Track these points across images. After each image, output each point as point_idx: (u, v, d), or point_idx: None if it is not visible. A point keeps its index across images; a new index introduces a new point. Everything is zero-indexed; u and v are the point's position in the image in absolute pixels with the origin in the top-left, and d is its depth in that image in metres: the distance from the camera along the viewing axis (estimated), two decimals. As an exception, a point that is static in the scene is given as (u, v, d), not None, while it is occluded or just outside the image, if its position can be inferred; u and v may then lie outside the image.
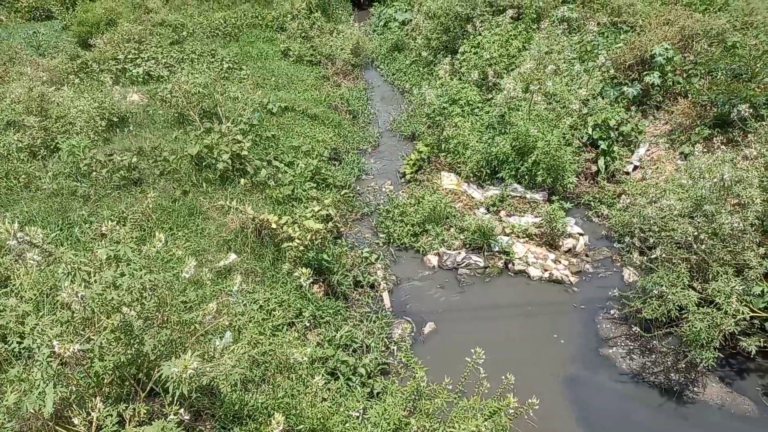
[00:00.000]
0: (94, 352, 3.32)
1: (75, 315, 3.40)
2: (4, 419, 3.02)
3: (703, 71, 10.84)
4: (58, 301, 3.33)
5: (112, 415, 3.11)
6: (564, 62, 11.31)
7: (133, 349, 3.44)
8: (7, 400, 3.00)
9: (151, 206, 6.76)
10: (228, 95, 11.34)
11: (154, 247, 3.87)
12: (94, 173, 8.11)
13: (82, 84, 11.95)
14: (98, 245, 4.07)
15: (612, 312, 7.56)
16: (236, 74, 14.28)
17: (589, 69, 11.26)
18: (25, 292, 3.51)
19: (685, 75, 11.08)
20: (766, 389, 6.35)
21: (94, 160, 8.23)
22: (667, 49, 11.00)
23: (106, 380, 3.68)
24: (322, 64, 16.92)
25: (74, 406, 3.26)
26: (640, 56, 11.35)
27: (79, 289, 3.13)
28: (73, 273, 3.71)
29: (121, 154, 8.56)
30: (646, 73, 11.14)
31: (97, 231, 6.55)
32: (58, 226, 6.97)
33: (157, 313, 3.74)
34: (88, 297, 3.24)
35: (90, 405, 3.16)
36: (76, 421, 3.08)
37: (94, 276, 3.57)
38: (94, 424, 3.24)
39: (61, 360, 3.24)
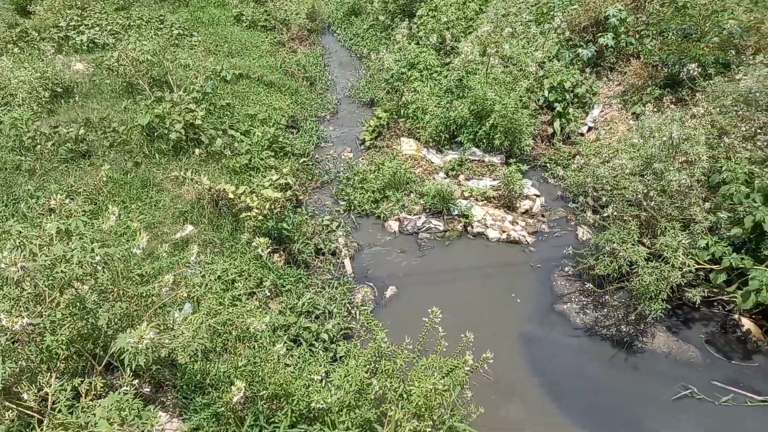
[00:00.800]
0: (45, 326, 3.24)
1: (25, 290, 3.30)
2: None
3: (654, 32, 11.02)
4: (5, 276, 3.22)
5: (65, 390, 3.06)
6: (521, 25, 11.32)
7: (87, 324, 3.37)
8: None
9: (102, 179, 6.55)
10: (179, 63, 10.96)
11: (108, 220, 3.76)
12: (39, 146, 7.78)
13: (22, 53, 11.33)
14: (47, 220, 3.94)
15: (567, 270, 7.79)
16: (187, 41, 13.78)
17: (545, 31, 11.31)
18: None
19: (637, 36, 11.25)
20: (708, 337, 6.71)
21: (39, 133, 7.89)
22: (620, 10, 11.11)
23: (61, 355, 3.62)
24: (276, 30, 16.48)
25: (25, 381, 3.19)
26: (595, 18, 11.45)
27: (21, 260, 3.03)
28: (20, 247, 3.59)
29: (67, 126, 8.22)
30: (600, 34, 11.26)
31: (45, 206, 6.33)
32: (2, 201, 6.70)
33: (111, 287, 3.67)
34: (34, 270, 3.14)
35: (43, 380, 3.10)
36: (26, 396, 3.02)
37: (43, 250, 3.46)
38: (50, 399, 3.19)
39: (12, 336, 3.16)
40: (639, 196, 6.84)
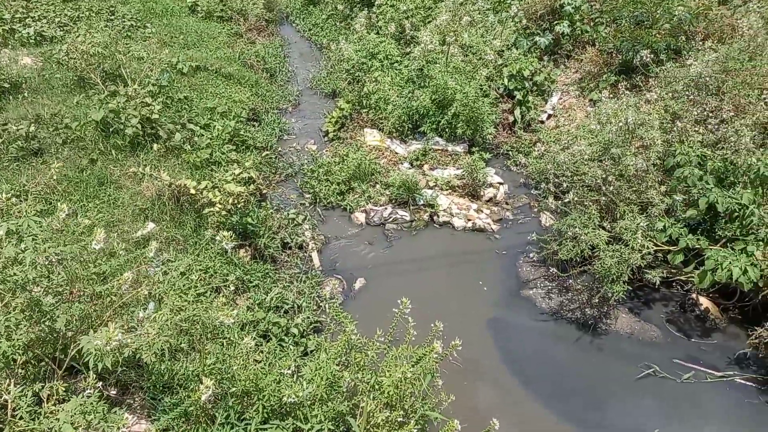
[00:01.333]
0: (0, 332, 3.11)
1: None
2: None
3: (608, 19, 11.26)
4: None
5: (26, 395, 2.95)
6: (478, 13, 11.40)
7: (45, 327, 3.25)
8: None
9: (55, 177, 6.30)
10: (132, 55, 10.62)
11: (58, 218, 3.62)
12: (-13, 145, 7.44)
13: (-36, 47, 10.76)
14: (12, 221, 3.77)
15: (531, 256, 7.94)
16: (140, 33, 13.33)
17: (502, 20, 11.42)
18: None
19: (592, 23, 11.47)
20: (669, 316, 6.95)
21: (-14, 131, 7.53)
22: (575, -2, 11.30)
23: (18, 360, 3.48)
24: (233, 20, 16.11)
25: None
26: (551, 6, 11.62)
27: None
28: None
29: (17, 122, 7.86)
30: (556, 22, 11.44)
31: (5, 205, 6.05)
32: (-51, 204, 6.37)
33: (68, 288, 3.54)
34: None
35: (1, 387, 2.98)
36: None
37: None
38: (9, 406, 3.08)
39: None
40: (598, 181, 7.01)
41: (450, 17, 11.03)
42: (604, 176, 7.00)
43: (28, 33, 11.98)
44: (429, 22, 11.93)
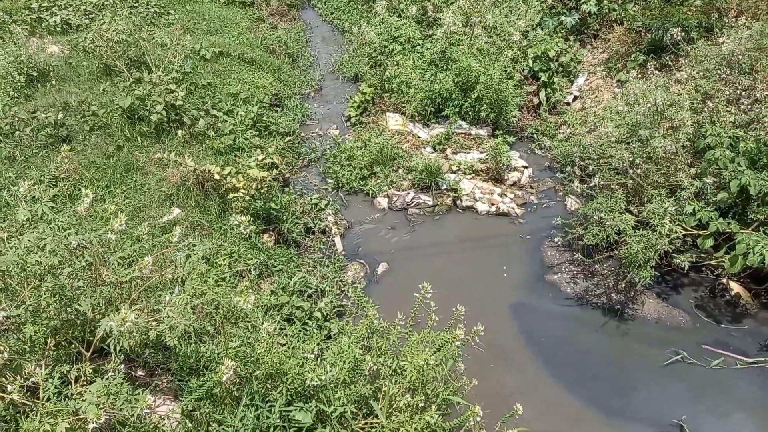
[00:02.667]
0: (25, 317, 3.19)
1: None
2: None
3: (638, -4, 10.93)
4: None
5: (52, 378, 3.03)
6: (503, -7, 11.17)
7: (71, 310, 3.32)
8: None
9: (81, 163, 6.42)
10: (156, 42, 10.70)
11: (83, 203, 3.68)
12: (18, 132, 7.59)
13: (-6, 37, 10.98)
14: (24, 208, 3.85)
15: (556, 240, 7.84)
16: (163, 19, 13.42)
17: (527, -1, 11.17)
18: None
19: (620, 1, 11.14)
20: (698, 301, 6.81)
21: (16, 119, 7.70)
22: (603, -24, 10.99)
23: (49, 343, 3.58)
24: (256, 5, 16.10)
25: (8, 372, 3.15)
26: (577, -16, 11.31)
27: None
28: None
29: (45, 110, 8.02)
30: (582, 1, 11.14)
31: (27, 193, 6.19)
32: (-18, 190, 6.56)
33: (91, 272, 3.61)
34: (8, 263, 3.08)
35: (30, 370, 3.06)
36: (9, 387, 2.98)
37: (13, 241, 3.39)
38: (41, 387, 3.17)
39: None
40: (625, 164, 6.86)
41: (473, -2, 10.84)
42: (631, 159, 6.83)
43: (55, 21, 12.17)
44: (451, 3, 11.74)
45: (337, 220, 8.36)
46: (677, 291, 6.97)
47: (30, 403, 3.17)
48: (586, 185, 7.41)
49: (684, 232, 6.48)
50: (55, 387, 3.07)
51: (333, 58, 13.88)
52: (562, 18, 11.27)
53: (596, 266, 7.25)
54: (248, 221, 4.60)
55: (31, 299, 3.39)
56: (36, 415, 3.02)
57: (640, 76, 8.29)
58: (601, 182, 7.06)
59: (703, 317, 6.60)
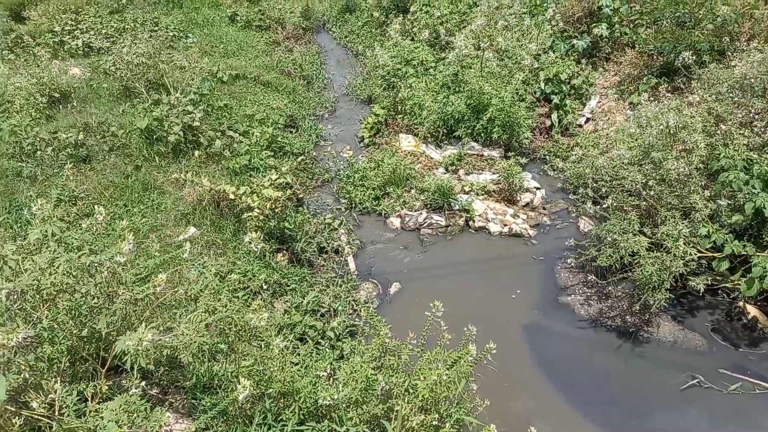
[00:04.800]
0: (42, 337, 3.25)
1: (12, 305, 3.29)
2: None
3: (649, 20, 11.02)
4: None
5: (71, 395, 3.07)
6: (514, 17, 11.31)
7: (86, 329, 3.38)
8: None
9: (100, 183, 6.56)
10: (174, 65, 10.96)
11: (96, 221, 3.77)
12: (39, 152, 7.79)
13: (18, 59, 11.32)
14: (40, 226, 3.93)
15: (569, 261, 7.81)
16: (182, 42, 13.77)
17: (539, 23, 11.31)
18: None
19: (631, 25, 11.25)
20: (714, 324, 6.72)
21: (38, 139, 7.90)
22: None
23: (65, 361, 3.63)
24: (272, 29, 16.48)
25: (31, 390, 3.21)
26: (588, 8, 11.45)
27: (3, 284, 3.04)
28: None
29: (66, 131, 8.23)
30: (594, 24, 11.26)
31: (44, 213, 6.32)
32: (5, 208, 6.71)
33: (104, 291, 3.67)
34: (23, 285, 3.15)
35: (48, 386, 3.11)
36: (34, 404, 3.03)
37: (26, 262, 3.46)
38: (57, 405, 3.21)
39: (11, 349, 3.17)
40: (638, 186, 6.85)
41: (485, 21, 11.00)
42: (644, 181, 6.83)
43: (77, 44, 12.53)
44: (464, 27, 11.92)
45: (350, 239, 8.41)
46: (693, 314, 6.90)
47: (49, 421, 3.22)
48: (599, 206, 7.41)
49: (699, 255, 6.44)
50: (74, 403, 3.12)
51: (347, 81, 14.11)
52: (574, 41, 11.38)
53: (610, 288, 7.21)
54: (259, 238, 4.65)
55: (46, 319, 3.44)
56: None
57: (652, 98, 8.31)
58: (614, 204, 7.05)
59: (720, 341, 6.51)
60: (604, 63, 11.50)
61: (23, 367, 3.19)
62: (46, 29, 13.24)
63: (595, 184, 7.72)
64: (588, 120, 10.66)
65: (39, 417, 3.26)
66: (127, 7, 16.14)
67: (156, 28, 14.28)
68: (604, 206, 7.24)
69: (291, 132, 11.13)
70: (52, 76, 9.74)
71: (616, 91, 10.65)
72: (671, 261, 6.13)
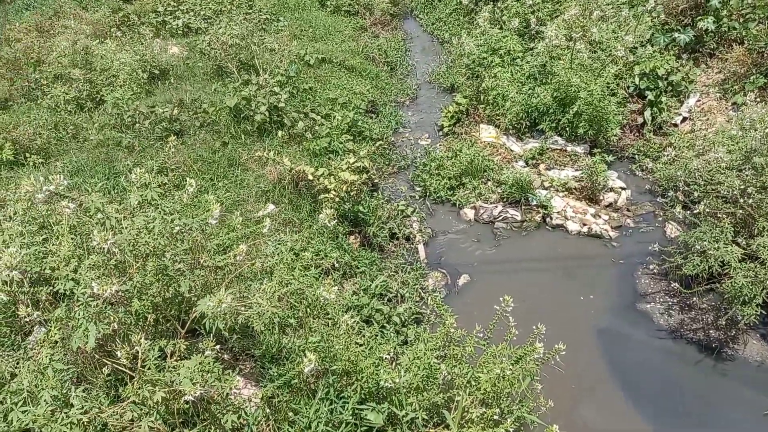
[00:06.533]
0: (132, 292, 3.49)
1: (110, 259, 3.56)
2: (52, 354, 3.25)
3: (761, 15, 10.12)
4: (93, 247, 3.49)
5: (153, 350, 3.29)
6: (612, 7, 10.77)
7: (171, 290, 3.60)
8: (53, 337, 3.22)
9: (190, 156, 6.93)
10: (265, 47, 11.32)
11: (187, 192, 3.99)
12: (138, 125, 8.33)
13: (124, 37, 12.11)
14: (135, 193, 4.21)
15: (651, 268, 7.42)
16: (273, 26, 14.19)
17: (638, 14, 10.69)
18: (63, 238, 3.69)
19: (741, 20, 10.37)
20: (810, 347, 6.19)
21: (138, 112, 8.44)
22: (724, -9, 10.30)
23: (150, 319, 3.89)
24: (360, 14, 16.60)
25: (118, 341, 3.47)
26: (694, 0, 10.68)
27: (110, 237, 3.29)
28: (103, 221, 3.87)
29: (163, 106, 8.74)
30: (699, 18, 10.49)
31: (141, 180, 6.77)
32: (104, 175, 7.24)
33: (189, 256, 3.89)
34: (122, 242, 3.40)
35: (133, 340, 3.35)
36: (119, 354, 3.28)
37: (125, 222, 3.73)
38: (140, 357, 3.45)
39: (104, 300, 3.43)
40: (735, 193, 6.38)
41: (580, 11, 10.53)
42: (743, 187, 6.35)
43: (177, 25, 13.22)
44: (556, 16, 11.48)
45: (421, 227, 8.40)
46: (786, 334, 6.38)
47: (131, 372, 3.47)
48: (689, 212, 6.97)
49: (799, 271, 5.92)
50: (155, 359, 3.34)
51: (430, 68, 14.00)
52: (676, 35, 10.67)
53: (695, 299, 6.78)
54: (333, 216, 4.76)
55: (137, 276, 3.70)
56: (137, 382, 3.30)
57: (759, 99, 7.68)
58: (707, 210, 6.61)
59: (816, 366, 5.98)
60: (708, 59, 10.71)
61: (113, 319, 3.45)
62: (150, 9, 14.06)
63: (686, 188, 7.26)
64: (685, 119, 10.00)
65: (122, 369, 3.52)
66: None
67: (250, 11, 14.80)
68: (695, 212, 6.80)
69: (371, 117, 11.23)
70: (154, 53, 10.35)
71: (719, 89, 9.91)
72: (766, 274, 5.68)
